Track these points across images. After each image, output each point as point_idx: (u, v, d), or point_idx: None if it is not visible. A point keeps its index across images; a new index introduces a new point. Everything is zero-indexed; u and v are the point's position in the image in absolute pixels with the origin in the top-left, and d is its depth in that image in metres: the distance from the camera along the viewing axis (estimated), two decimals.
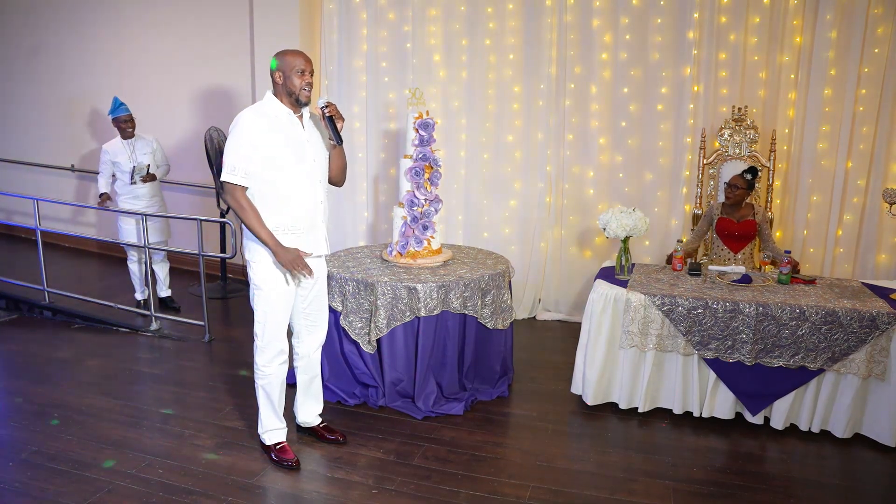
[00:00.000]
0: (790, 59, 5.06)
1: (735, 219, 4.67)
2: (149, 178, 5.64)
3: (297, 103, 3.22)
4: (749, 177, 4.63)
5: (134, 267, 5.90)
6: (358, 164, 6.03)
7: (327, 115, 3.26)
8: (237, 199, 3.18)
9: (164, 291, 6.00)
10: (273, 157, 3.15)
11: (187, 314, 5.57)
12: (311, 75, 3.23)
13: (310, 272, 3.29)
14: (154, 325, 5.39)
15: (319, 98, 3.31)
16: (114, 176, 5.63)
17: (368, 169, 6.10)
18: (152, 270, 5.94)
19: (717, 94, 5.26)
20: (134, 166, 5.57)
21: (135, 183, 5.58)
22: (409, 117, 4.38)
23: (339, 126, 3.29)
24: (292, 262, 3.23)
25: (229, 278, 6.65)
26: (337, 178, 3.49)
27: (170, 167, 5.95)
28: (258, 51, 6.22)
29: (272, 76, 3.22)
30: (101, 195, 5.54)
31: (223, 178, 3.16)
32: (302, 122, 3.28)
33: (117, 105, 5.55)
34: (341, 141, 3.30)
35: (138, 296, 5.98)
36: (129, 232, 5.66)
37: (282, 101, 3.23)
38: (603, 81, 5.49)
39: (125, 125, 5.54)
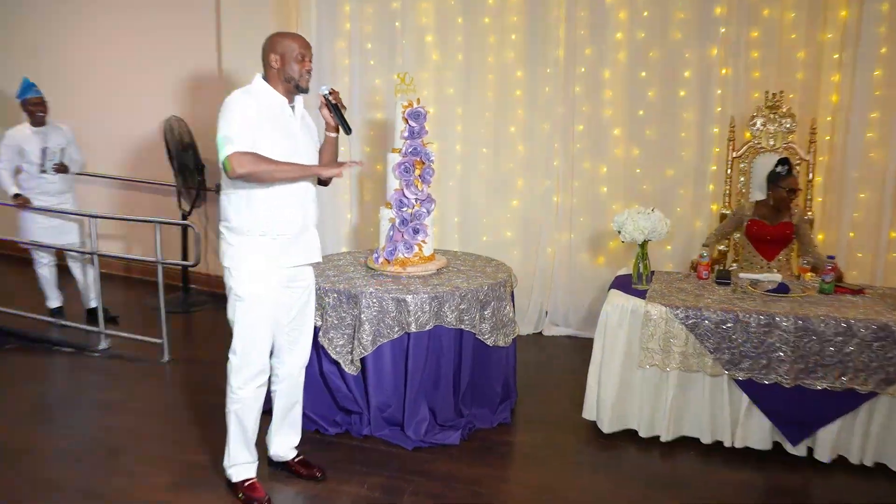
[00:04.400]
0: (833, 36, 5.04)
1: (770, 221, 4.63)
2: (61, 168, 5.56)
3: (296, 90, 3.27)
4: (796, 173, 4.56)
5: (44, 272, 5.81)
6: (340, 158, 5.96)
7: (332, 102, 3.36)
8: (246, 164, 3.06)
9: (91, 302, 5.86)
10: (263, 149, 3.14)
11: (144, 331, 5.48)
12: (311, 61, 3.29)
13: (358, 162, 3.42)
14: (103, 344, 5.32)
15: (323, 85, 3.41)
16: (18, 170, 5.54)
17: None
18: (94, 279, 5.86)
19: (748, 78, 5.24)
20: (44, 148, 5.47)
21: (45, 172, 5.51)
22: (397, 106, 4.36)
23: (345, 114, 3.39)
24: (337, 168, 3.27)
25: (192, 289, 6.60)
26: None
27: (84, 163, 5.88)
28: (225, 30, 6.20)
29: (266, 59, 3.25)
30: (16, 196, 5.46)
31: (225, 153, 3.05)
32: (294, 112, 3.32)
33: (27, 86, 5.47)
34: (350, 130, 3.39)
35: (52, 303, 5.89)
36: (37, 232, 5.55)
37: (275, 88, 3.26)
38: (618, 65, 5.48)
39: (35, 108, 5.47)
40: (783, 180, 4.58)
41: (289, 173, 3.17)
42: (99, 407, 4.46)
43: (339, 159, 3.61)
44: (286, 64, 3.22)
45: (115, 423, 4.24)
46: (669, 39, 5.34)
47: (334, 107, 3.36)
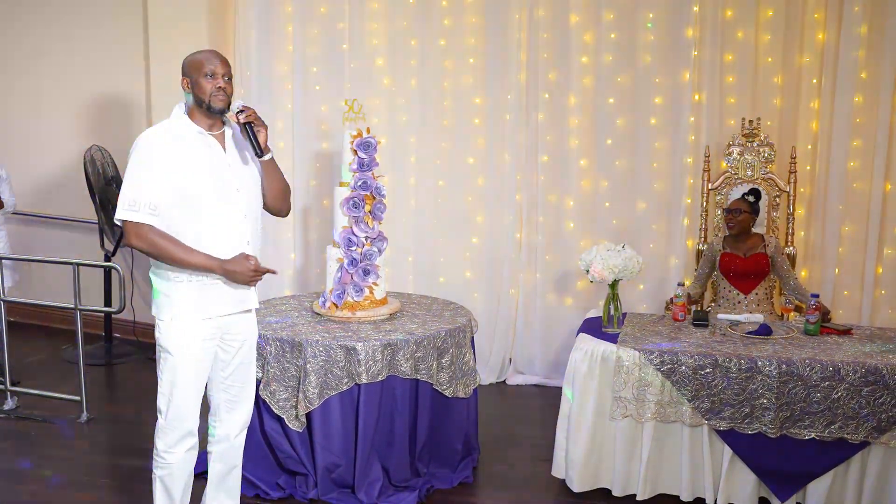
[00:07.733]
0: (811, 60, 5.18)
1: (741, 253, 4.74)
2: None
3: (209, 112, 3.17)
4: (752, 199, 4.75)
5: None
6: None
7: (243, 121, 3.21)
8: (145, 238, 3.08)
9: None
10: (184, 188, 3.09)
11: (59, 387, 5.39)
12: (229, 80, 3.19)
13: (272, 270, 3.31)
14: (9, 404, 5.18)
15: (234, 102, 3.25)
16: None
17: (295, 199, 5.98)
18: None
19: (723, 105, 5.36)
20: None
21: None
22: (345, 135, 4.37)
23: (260, 135, 3.23)
24: (251, 278, 3.21)
25: (116, 339, 6.50)
26: (277, 204, 3.45)
27: (15, 204, 5.93)
28: (154, 50, 6.17)
29: (182, 86, 3.20)
30: None
31: (120, 216, 3.07)
32: (223, 141, 3.24)
33: None
34: (262, 152, 3.24)
35: None
36: None
37: (192, 118, 3.20)
38: (584, 90, 5.56)
39: None
40: (731, 202, 4.77)
41: (190, 263, 3.12)
42: (5, 476, 4.34)
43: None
44: (195, 84, 3.15)
45: (23, 495, 4.13)
46: (639, 63, 5.43)
47: (247, 126, 3.21)
